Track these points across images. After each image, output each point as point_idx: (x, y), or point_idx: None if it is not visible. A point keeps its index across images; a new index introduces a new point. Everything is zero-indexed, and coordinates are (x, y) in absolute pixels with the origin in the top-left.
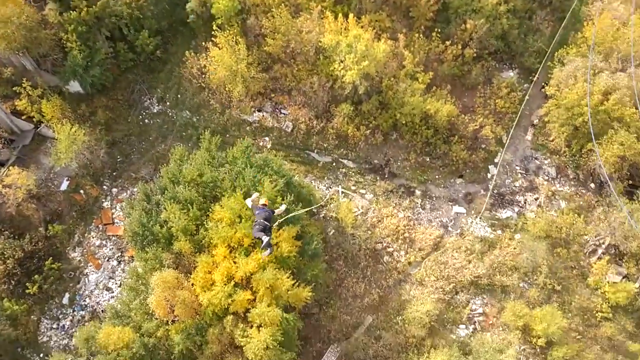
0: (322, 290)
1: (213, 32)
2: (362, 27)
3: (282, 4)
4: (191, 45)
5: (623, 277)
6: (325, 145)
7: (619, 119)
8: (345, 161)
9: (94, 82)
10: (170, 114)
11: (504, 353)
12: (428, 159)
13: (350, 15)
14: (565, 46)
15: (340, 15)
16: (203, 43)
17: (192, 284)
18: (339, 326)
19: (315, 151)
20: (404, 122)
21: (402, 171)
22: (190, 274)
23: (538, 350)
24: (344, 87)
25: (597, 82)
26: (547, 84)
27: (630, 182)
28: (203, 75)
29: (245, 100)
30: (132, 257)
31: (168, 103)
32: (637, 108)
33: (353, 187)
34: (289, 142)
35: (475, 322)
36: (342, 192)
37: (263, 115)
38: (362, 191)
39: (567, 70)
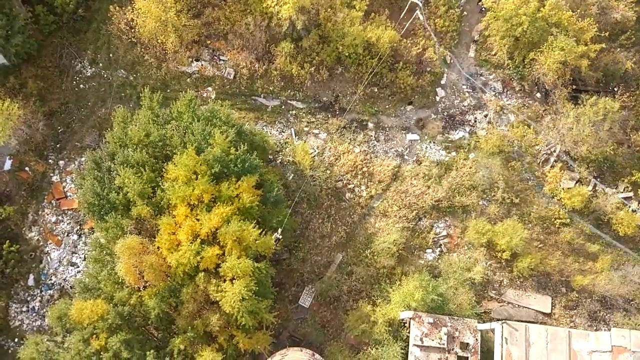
0: (289, 235)
1: None
2: None
3: None
4: None
5: (576, 182)
6: (271, 88)
7: (557, 24)
8: (294, 102)
9: (18, 51)
10: (105, 75)
11: (471, 271)
12: (376, 90)
13: None
14: None
15: None
16: None
17: (158, 247)
18: (310, 268)
19: (262, 96)
20: (347, 54)
21: (352, 105)
22: (154, 237)
23: (504, 263)
24: (281, 24)
25: None
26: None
27: (574, 87)
28: (132, 30)
29: (181, 50)
30: (92, 228)
31: (101, 64)
32: (573, 10)
33: (306, 128)
34: (233, 90)
35: (440, 245)
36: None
37: (202, 65)
38: (316, 131)
39: None
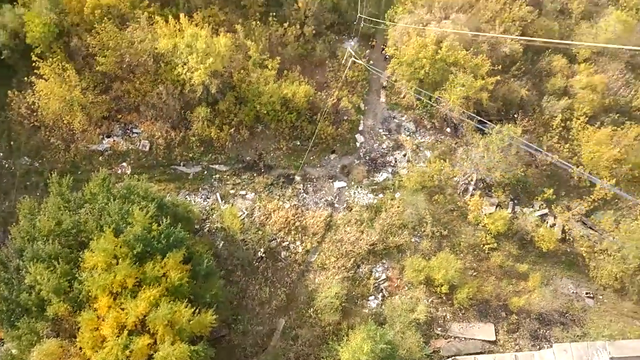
0: (226, 308)
1: (34, 64)
2: (196, 25)
3: (105, 18)
4: (12, 83)
5: (496, 206)
6: (190, 155)
7: (454, 63)
8: (216, 166)
9: None
10: (6, 165)
11: (415, 311)
12: (299, 143)
13: (182, 16)
14: (392, 6)
15: (170, 17)
16: (25, 78)
17: (80, 348)
18: (253, 340)
19: (182, 164)
20: (265, 112)
21: (277, 161)
22: (75, 337)
23: (444, 297)
24: (194, 90)
25: (428, 33)
26: (386, 46)
27: (479, 118)
28: (34, 113)
29: (90, 129)
30: (1, 339)
31: (1, 153)
32: (467, 49)
33: (232, 191)
34: (150, 162)
35: (382, 289)
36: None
37: (114, 140)
38: (242, 192)
39: (399, 28)
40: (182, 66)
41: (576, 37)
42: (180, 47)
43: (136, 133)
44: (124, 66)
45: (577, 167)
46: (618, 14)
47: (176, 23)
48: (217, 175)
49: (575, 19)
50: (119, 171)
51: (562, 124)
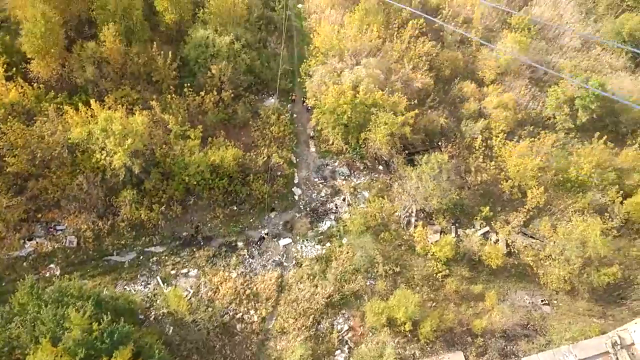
0: None
1: None
2: (109, 108)
3: (10, 117)
4: None
5: (440, 233)
6: (122, 242)
7: (374, 104)
8: (152, 248)
9: None
10: None
11: (383, 356)
12: (235, 208)
13: (92, 101)
14: (305, 60)
15: (80, 105)
16: None
17: None
18: None
19: (115, 253)
20: (195, 182)
21: (216, 230)
22: None
23: (409, 335)
24: (117, 174)
25: (344, 80)
26: (306, 98)
27: (407, 151)
28: None
29: (9, 235)
30: None
31: None
32: (383, 89)
33: (173, 271)
34: (80, 258)
35: (346, 341)
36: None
37: (37, 242)
38: (184, 270)
39: (316, 79)
40: (100, 152)
41: (479, 62)
42: (95, 133)
43: (60, 230)
44: (37, 162)
45: (506, 181)
46: (513, 35)
47: (87, 109)
48: (155, 258)
49: (476, 46)
50: (47, 274)
51: (484, 144)
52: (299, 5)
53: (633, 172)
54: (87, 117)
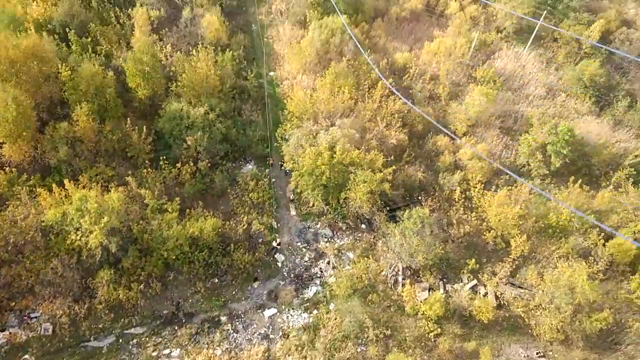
0: None
1: None
2: (84, 187)
3: None
4: None
5: (429, 290)
6: (100, 326)
7: (352, 163)
8: (131, 330)
9: None
10: None
11: None
12: (217, 280)
13: (66, 181)
14: (280, 125)
15: (54, 186)
16: None
17: None
18: None
19: (92, 338)
20: (174, 257)
21: (197, 306)
22: None
23: None
24: (93, 254)
25: (320, 142)
26: (283, 162)
27: (388, 208)
28: None
29: None
30: None
31: None
32: (359, 148)
33: (154, 353)
34: (56, 346)
35: None
36: None
37: (10, 333)
38: (166, 351)
39: (292, 143)
40: (76, 232)
41: (449, 116)
42: (70, 213)
43: (35, 317)
44: (10, 248)
45: (489, 231)
46: (479, 88)
47: (61, 190)
48: (135, 340)
49: (445, 101)
50: None
51: (463, 196)
52: (271, 73)
53: (611, 214)
54: (61, 198)
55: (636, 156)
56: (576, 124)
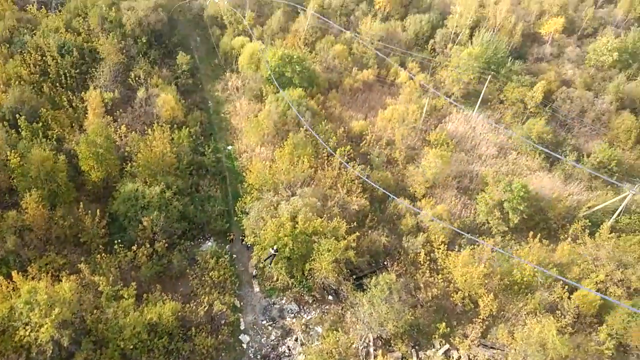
0: None
1: None
2: (33, 278)
3: None
4: None
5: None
6: None
7: (314, 232)
8: None
9: None
10: None
11: None
12: None
13: (14, 273)
14: (240, 198)
15: (0, 279)
16: None
17: None
18: None
19: None
20: (131, 347)
21: None
22: None
23: None
24: (43, 350)
25: (282, 212)
26: (244, 236)
27: (354, 276)
28: None
29: None
30: None
31: None
32: (321, 216)
33: None
34: None
35: None
36: None
37: None
38: None
39: (253, 216)
40: (24, 327)
41: (408, 179)
42: (18, 307)
43: None
44: None
45: (456, 293)
46: (434, 151)
47: (9, 283)
48: None
49: (402, 165)
50: None
51: (428, 258)
52: (229, 147)
53: (572, 266)
54: (9, 292)
55: (589, 207)
56: (529, 180)
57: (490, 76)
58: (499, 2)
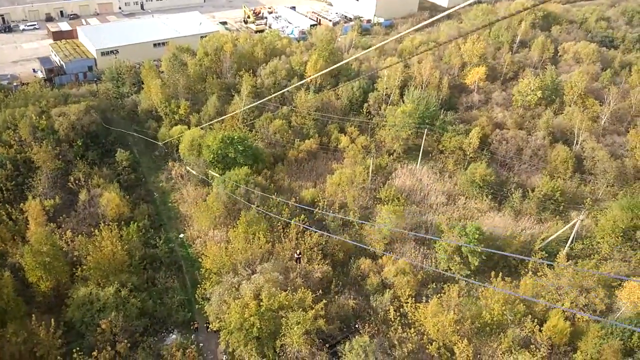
0: None
1: None
2: None
3: None
4: None
5: None
6: None
7: (281, 307)
8: None
9: None
10: None
11: None
12: None
13: None
14: (199, 285)
15: None
16: None
17: None
18: None
19: None
20: None
21: None
22: None
23: None
24: None
25: (244, 292)
26: (209, 323)
27: (328, 345)
28: None
29: None
30: None
31: None
32: (285, 290)
33: None
34: None
35: None
36: None
37: None
38: None
39: (215, 300)
40: None
41: (365, 238)
42: None
43: None
44: None
45: (431, 344)
46: (386, 207)
47: None
48: None
49: (359, 225)
50: None
51: (398, 314)
52: (181, 235)
53: (538, 298)
54: None
55: (542, 239)
56: (482, 222)
57: (426, 130)
58: (422, 61)
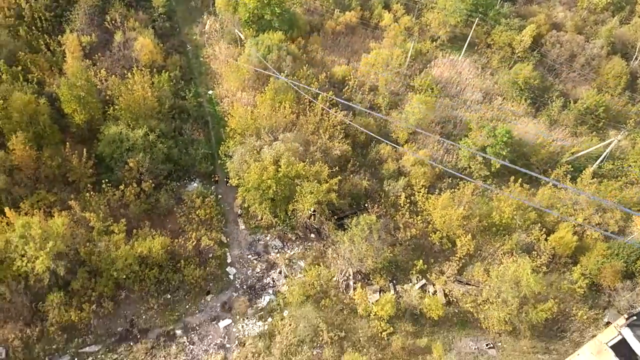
0: None
1: None
2: (26, 213)
3: None
4: None
5: (379, 292)
6: (54, 346)
7: (297, 176)
8: (86, 349)
9: None
10: None
11: None
12: (169, 296)
13: (6, 209)
14: (223, 142)
15: None
16: None
17: None
18: None
19: (47, 359)
20: (124, 276)
21: (152, 321)
22: None
23: None
24: (41, 279)
25: (264, 157)
26: (228, 178)
27: (336, 217)
28: None
29: None
30: None
31: None
32: (304, 160)
33: None
34: None
35: None
36: None
37: None
38: None
39: (236, 159)
40: (21, 259)
41: (391, 125)
42: (13, 240)
43: None
44: None
45: (435, 233)
46: (418, 97)
47: (2, 218)
48: (90, 358)
49: (386, 111)
50: None
51: (408, 200)
52: (210, 92)
53: (552, 209)
54: (3, 226)
55: (572, 153)
56: (514, 126)
57: (477, 19)
58: None
